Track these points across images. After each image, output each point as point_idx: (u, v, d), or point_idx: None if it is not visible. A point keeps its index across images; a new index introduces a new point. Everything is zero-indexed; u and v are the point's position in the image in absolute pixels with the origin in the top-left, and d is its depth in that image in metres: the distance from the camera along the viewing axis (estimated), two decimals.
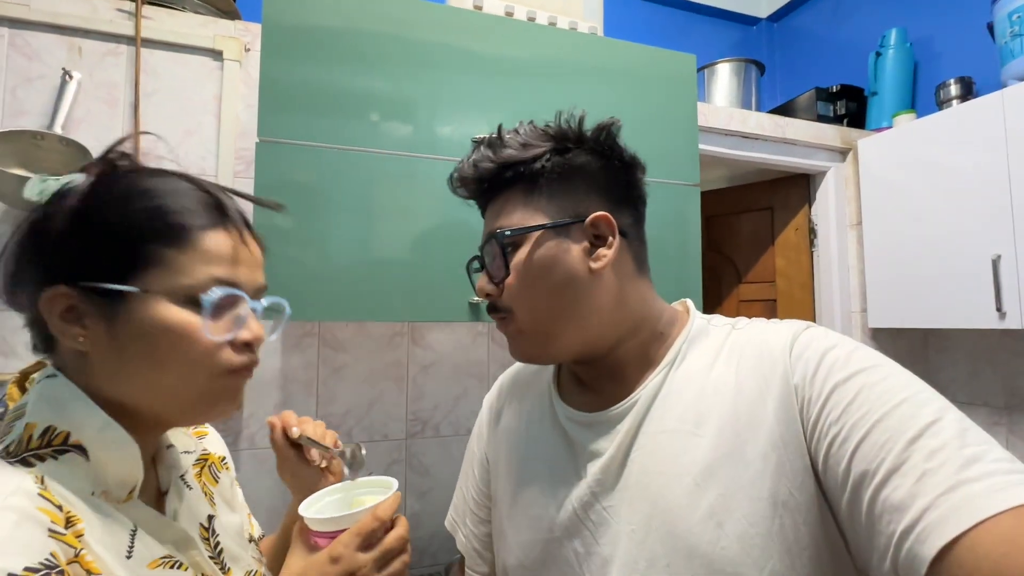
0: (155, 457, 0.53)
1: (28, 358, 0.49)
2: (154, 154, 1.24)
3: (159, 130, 1.26)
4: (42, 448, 0.42)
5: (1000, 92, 1.50)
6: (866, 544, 0.41)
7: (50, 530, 0.37)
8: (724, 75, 2.01)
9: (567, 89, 1.26)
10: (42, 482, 0.40)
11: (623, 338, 0.57)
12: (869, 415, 0.42)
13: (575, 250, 0.54)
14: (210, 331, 0.45)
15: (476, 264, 0.62)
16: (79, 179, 0.45)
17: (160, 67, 1.27)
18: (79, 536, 0.39)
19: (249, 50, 1.33)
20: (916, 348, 1.96)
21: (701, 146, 1.52)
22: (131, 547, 0.43)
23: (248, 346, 0.48)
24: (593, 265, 0.54)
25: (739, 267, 2.24)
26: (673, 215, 1.33)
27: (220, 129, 1.30)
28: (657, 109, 1.34)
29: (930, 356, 1.96)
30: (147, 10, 1.25)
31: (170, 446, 0.56)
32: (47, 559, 0.35)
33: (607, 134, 0.57)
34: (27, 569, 0.34)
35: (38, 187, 0.47)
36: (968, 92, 1.76)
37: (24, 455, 0.41)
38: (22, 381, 0.48)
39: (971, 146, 1.56)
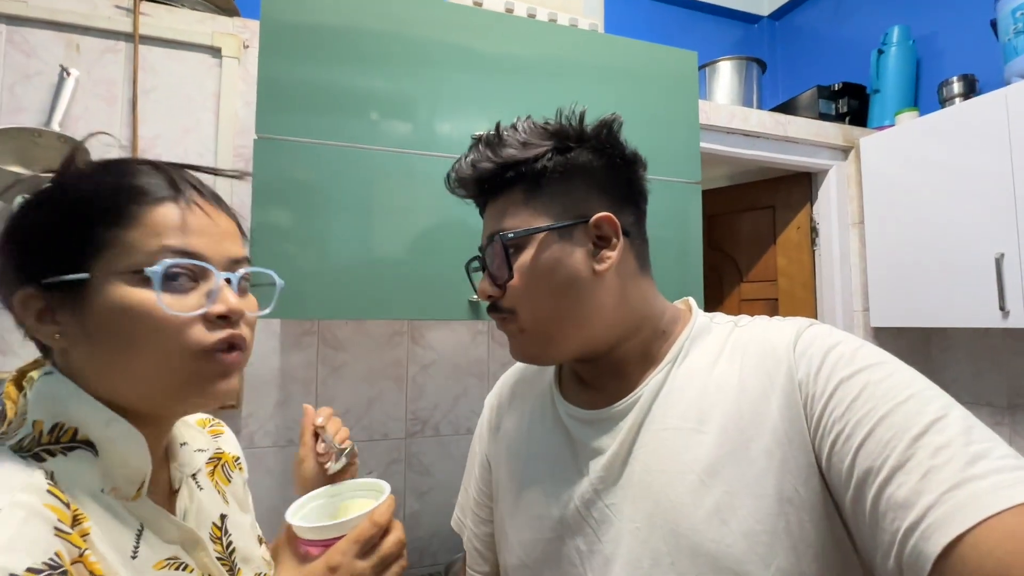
0: (167, 454, 0.53)
1: (26, 356, 0.48)
2: (152, 152, 1.24)
3: (157, 127, 1.25)
4: (52, 444, 0.42)
5: (1003, 89, 1.50)
6: (870, 541, 0.41)
7: (56, 528, 0.37)
8: (725, 73, 2.00)
9: (567, 86, 1.25)
10: (52, 478, 0.40)
11: (625, 337, 0.57)
12: (873, 412, 0.42)
13: (579, 251, 0.54)
14: (171, 307, 0.42)
15: (476, 264, 0.62)
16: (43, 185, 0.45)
17: (158, 64, 1.26)
18: (84, 535, 0.39)
19: (248, 47, 1.33)
20: (918, 347, 1.95)
21: (702, 144, 1.51)
22: (136, 547, 0.43)
23: (225, 320, 0.46)
24: (597, 267, 0.54)
25: (740, 266, 2.23)
26: (674, 213, 1.33)
27: (218, 126, 1.29)
28: (658, 106, 1.33)
29: (933, 355, 1.96)
30: (145, 7, 1.25)
31: (183, 444, 0.55)
32: (51, 559, 0.35)
33: (608, 131, 0.56)
34: (29, 569, 0.34)
35: (18, 201, 0.47)
36: (971, 90, 1.75)
37: (36, 450, 0.41)
38: (19, 379, 0.48)
39: (974, 144, 1.55)
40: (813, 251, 2.00)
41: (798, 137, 1.87)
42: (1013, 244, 1.46)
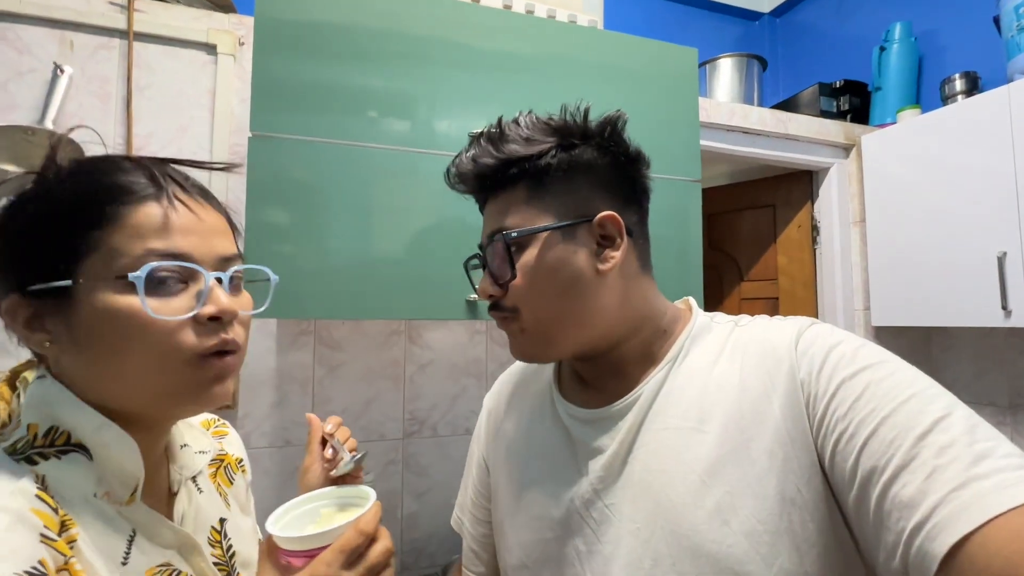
0: (167, 456, 0.52)
1: (20, 356, 0.47)
2: (147, 150, 1.23)
3: (152, 125, 1.25)
4: (47, 447, 0.42)
5: (1006, 87, 1.48)
6: (874, 541, 0.41)
7: (42, 535, 0.36)
8: (726, 70, 1.98)
9: (566, 83, 1.24)
10: (43, 482, 0.39)
11: (626, 336, 0.57)
12: (877, 411, 0.42)
13: (582, 251, 0.54)
14: (157, 311, 0.41)
15: (475, 262, 0.61)
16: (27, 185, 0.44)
17: (153, 61, 1.25)
18: (71, 542, 0.38)
19: (243, 44, 1.32)
20: (919, 347, 1.94)
21: (703, 142, 1.50)
22: (127, 553, 0.42)
23: (218, 322, 0.44)
24: (600, 267, 0.54)
25: (741, 265, 2.22)
26: (674, 212, 1.32)
27: (214, 124, 1.28)
28: (658, 104, 1.32)
29: (934, 355, 1.95)
30: (140, 3, 1.23)
31: (184, 445, 0.54)
32: (34, 567, 0.34)
33: (613, 129, 0.56)
34: None
35: (1, 203, 0.46)
36: (973, 87, 1.74)
37: (29, 453, 0.41)
38: (12, 379, 0.47)
39: (976, 142, 1.54)
40: (814, 250, 1.99)
41: (799, 135, 1.86)
42: (1016, 243, 1.44)
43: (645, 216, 0.60)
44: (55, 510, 0.38)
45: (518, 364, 0.73)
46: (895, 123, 1.88)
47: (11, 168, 1.07)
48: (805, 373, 0.48)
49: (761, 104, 1.98)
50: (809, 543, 0.45)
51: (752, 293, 2.18)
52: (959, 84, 1.75)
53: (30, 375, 0.45)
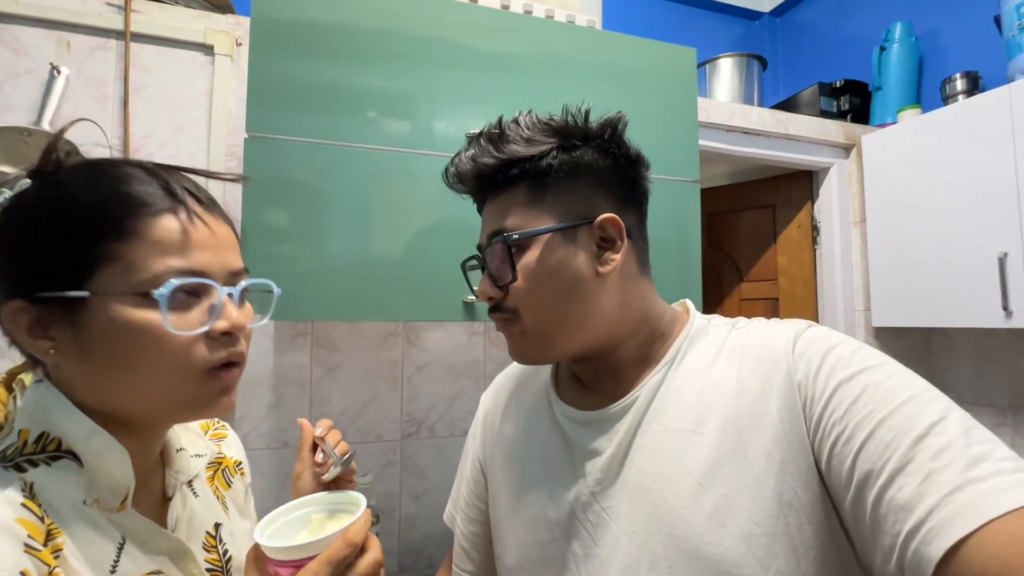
0: (163, 460, 0.52)
1: (16, 358, 0.47)
2: (144, 151, 1.23)
3: (149, 126, 1.24)
4: (37, 453, 0.41)
5: (1007, 86, 1.48)
6: (870, 544, 0.41)
7: (26, 545, 0.36)
8: (726, 70, 1.98)
9: (565, 83, 1.24)
10: (31, 490, 0.39)
11: (625, 338, 0.56)
12: (873, 414, 0.42)
13: (583, 253, 0.53)
14: (175, 326, 0.41)
15: (472, 263, 0.61)
16: (25, 184, 0.43)
17: (150, 62, 1.25)
18: (57, 551, 0.38)
19: (241, 45, 1.31)
20: (920, 347, 1.94)
21: (702, 142, 1.50)
22: (116, 561, 0.42)
23: (229, 336, 0.45)
24: (601, 269, 0.53)
25: (740, 265, 2.22)
26: (673, 212, 1.31)
27: (211, 125, 1.28)
28: (657, 104, 1.32)
29: (935, 355, 1.94)
30: (137, 4, 1.23)
31: (180, 449, 0.53)
32: None
33: (613, 130, 0.56)
34: None
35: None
36: (974, 87, 1.73)
37: (18, 460, 0.41)
38: (8, 381, 0.47)
39: (977, 142, 1.53)
40: (814, 250, 1.99)
41: (799, 135, 1.85)
42: (1016, 243, 1.44)
43: (644, 218, 0.60)
44: (41, 519, 0.38)
45: (515, 364, 0.73)
46: (895, 123, 1.87)
47: (7, 169, 1.07)
48: (802, 375, 0.47)
49: (761, 104, 1.97)
50: (806, 546, 0.45)
51: (752, 293, 2.18)
52: (960, 84, 1.75)
53: (27, 378, 0.45)
